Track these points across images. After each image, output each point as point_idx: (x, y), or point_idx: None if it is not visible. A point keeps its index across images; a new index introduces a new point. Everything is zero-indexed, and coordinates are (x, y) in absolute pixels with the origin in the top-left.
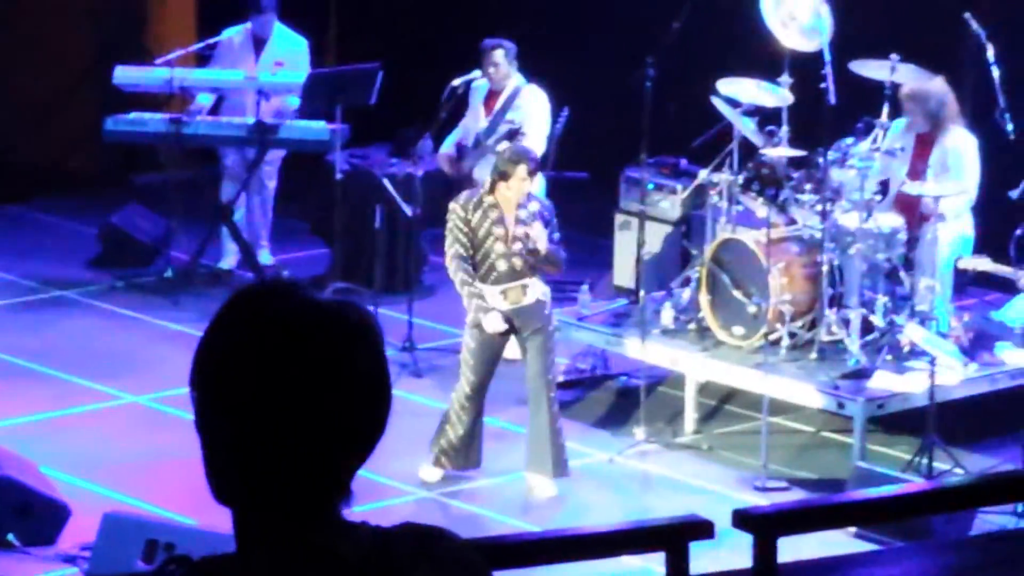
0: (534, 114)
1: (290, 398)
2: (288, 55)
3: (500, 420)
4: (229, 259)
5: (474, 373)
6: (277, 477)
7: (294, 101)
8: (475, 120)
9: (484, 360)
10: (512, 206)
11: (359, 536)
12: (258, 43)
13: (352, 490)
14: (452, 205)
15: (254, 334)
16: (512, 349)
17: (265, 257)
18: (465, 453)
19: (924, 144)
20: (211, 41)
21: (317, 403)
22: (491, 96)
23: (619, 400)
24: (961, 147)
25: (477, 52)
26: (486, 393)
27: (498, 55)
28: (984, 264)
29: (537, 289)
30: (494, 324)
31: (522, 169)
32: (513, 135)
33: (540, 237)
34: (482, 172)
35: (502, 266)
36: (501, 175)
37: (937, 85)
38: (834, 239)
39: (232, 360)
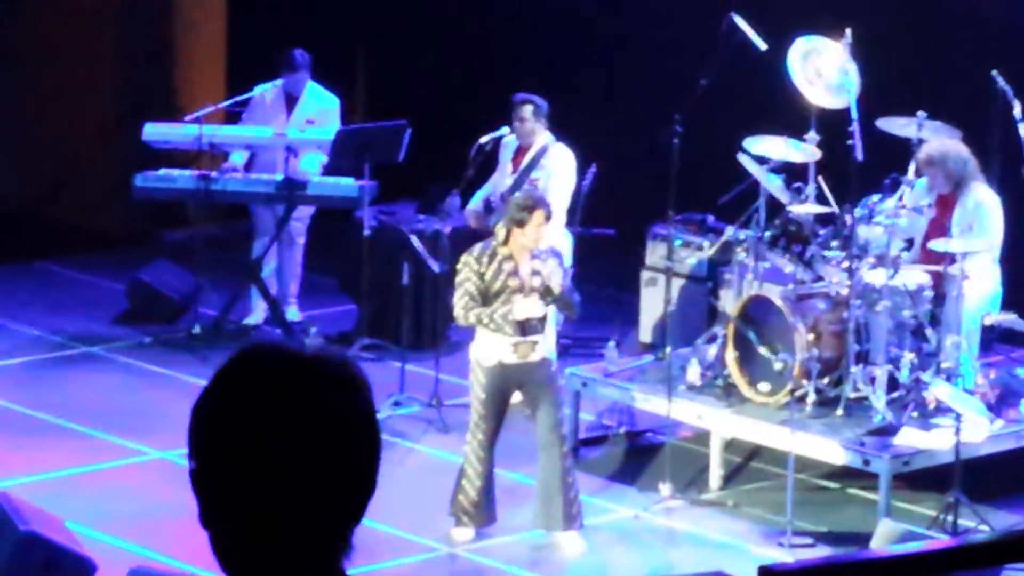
0: (558, 173)
1: (282, 454)
2: (319, 113)
3: (515, 473)
4: (257, 315)
5: (486, 423)
6: (276, 535)
7: (308, 165)
8: (503, 176)
9: (494, 407)
10: (526, 256)
11: None
12: (290, 100)
13: (352, 545)
14: (465, 258)
15: (243, 395)
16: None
17: (293, 313)
18: (486, 509)
19: (946, 204)
20: (241, 98)
21: (309, 459)
22: (519, 153)
23: (645, 456)
24: (984, 204)
25: (505, 109)
26: (497, 443)
27: (526, 110)
28: (1011, 320)
29: (544, 348)
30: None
31: (539, 215)
32: None
33: (554, 274)
34: None
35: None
36: (517, 223)
37: (954, 145)
38: (861, 296)
39: (225, 421)
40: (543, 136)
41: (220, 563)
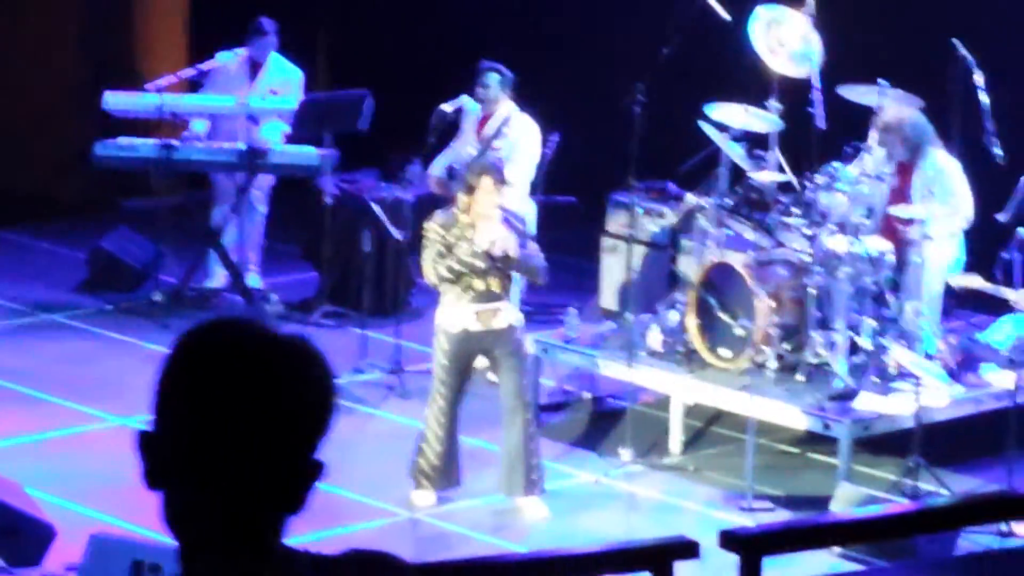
0: (522, 142)
1: (228, 425)
2: (283, 85)
3: (478, 439)
4: (217, 279)
5: (447, 387)
6: (217, 504)
7: (269, 133)
8: (466, 144)
9: (456, 373)
10: (487, 224)
11: (300, 564)
12: (254, 68)
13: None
14: (429, 224)
15: (198, 365)
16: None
17: (255, 281)
18: (445, 472)
19: (905, 172)
20: (202, 67)
21: (255, 432)
22: (483, 121)
23: (605, 422)
24: (944, 169)
25: (466, 78)
26: (460, 408)
27: (491, 78)
28: (976, 282)
29: (510, 315)
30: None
31: (487, 181)
32: None
33: (509, 242)
34: None
35: (479, 286)
36: (468, 189)
37: (910, 112)
38: (822, 262)
39: (178, 389)
40: (506, 105)
41: (166, 525)
